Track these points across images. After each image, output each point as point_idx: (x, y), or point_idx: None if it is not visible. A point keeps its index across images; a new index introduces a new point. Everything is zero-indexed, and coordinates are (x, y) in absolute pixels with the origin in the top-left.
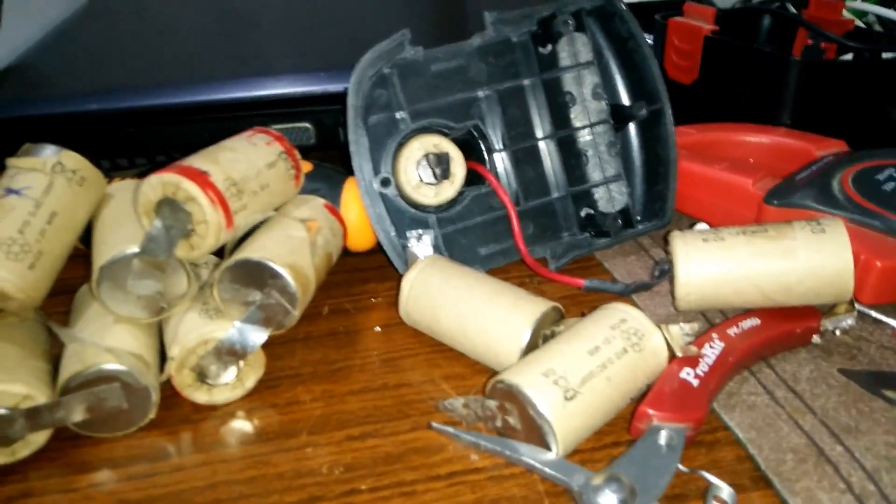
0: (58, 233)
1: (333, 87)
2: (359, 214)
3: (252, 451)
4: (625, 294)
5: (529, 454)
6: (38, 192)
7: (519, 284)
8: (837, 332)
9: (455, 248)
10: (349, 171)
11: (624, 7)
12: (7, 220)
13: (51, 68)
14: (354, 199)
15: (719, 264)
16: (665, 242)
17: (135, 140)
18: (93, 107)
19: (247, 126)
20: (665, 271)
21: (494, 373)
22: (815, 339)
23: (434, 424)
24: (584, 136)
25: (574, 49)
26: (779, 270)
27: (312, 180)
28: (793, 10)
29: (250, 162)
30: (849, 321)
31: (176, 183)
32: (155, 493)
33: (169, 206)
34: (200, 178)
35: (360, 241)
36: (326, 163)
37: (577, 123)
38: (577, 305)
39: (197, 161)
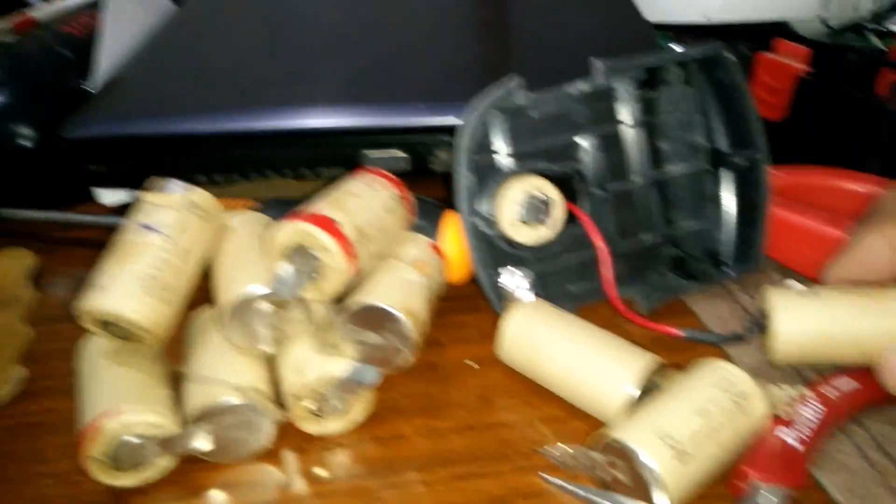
0: (190, 269)
1: (432, 119)
2: (456, 250)
3: (362, 484)
4: (719, 344)
5: None
6: (172, 229)
7: (606, 325)
8: None
9: (548, 285)
10: (444, 203)
11: (731, 58)
12: (146, 258)
13: (146, 88)
14: (453, 235)
15: (818, 320)
16: (753, 289)
17: (232, 160)
18: (198, 128)
19: (343, 151)
20: (761, 325)
21: (596, 420)
22: None
23: (545, 476)
24: (680, 180)
25: (676, 95)
26: (880, 330)
27: (416, 216)
28: (879, 44)
29: (372, 208)
30: None
31: (309, 232)
32: None
33: (299, 252)
34: (331, 227)
35: (457, 274)
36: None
37: (673, 168)
38: (664, 349)
39: (326, 208)
